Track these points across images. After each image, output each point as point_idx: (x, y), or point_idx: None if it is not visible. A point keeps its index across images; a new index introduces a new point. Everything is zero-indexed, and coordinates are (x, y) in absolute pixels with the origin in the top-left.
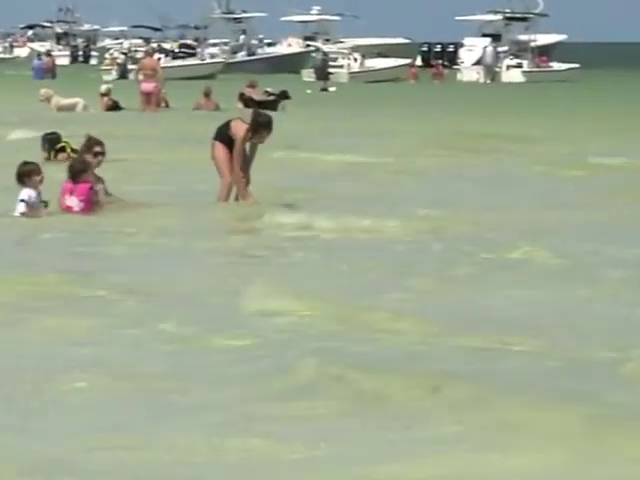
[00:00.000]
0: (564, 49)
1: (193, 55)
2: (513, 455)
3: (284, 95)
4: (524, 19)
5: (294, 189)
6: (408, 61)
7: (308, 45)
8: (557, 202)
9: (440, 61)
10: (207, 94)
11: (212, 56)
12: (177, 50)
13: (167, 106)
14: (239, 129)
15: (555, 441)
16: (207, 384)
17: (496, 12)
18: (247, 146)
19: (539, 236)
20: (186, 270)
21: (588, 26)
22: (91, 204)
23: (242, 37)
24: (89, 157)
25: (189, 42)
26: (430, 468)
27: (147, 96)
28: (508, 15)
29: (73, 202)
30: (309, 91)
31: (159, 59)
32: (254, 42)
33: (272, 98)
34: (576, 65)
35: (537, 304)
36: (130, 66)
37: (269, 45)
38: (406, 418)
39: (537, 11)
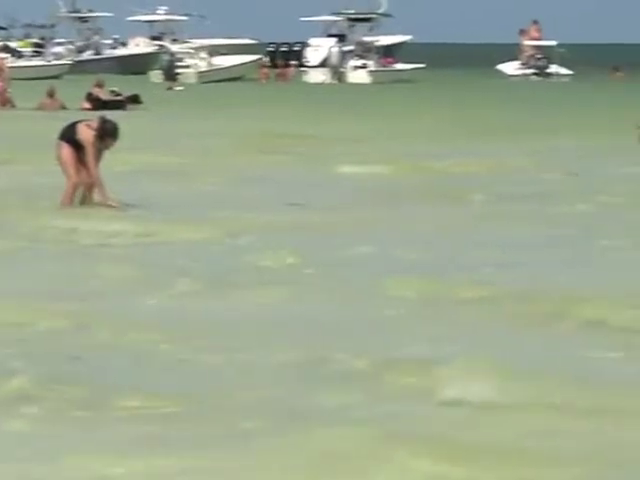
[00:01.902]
0: (411, 50)
1: (40, 54)
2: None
3: (135, 99)
4: (367, 19)
5: None
6: (256, 57)
7: (161, 46)
8: (341, 203)
9: (286, 61)
10: (51, 94)
11: (57, 56)
12: (30, 49)
13: (13, 106)
14: (86, 135)
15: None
16: None
17: (339, 13)
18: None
19: (301, 238)
20: None
21: (435, 27)
22: None
23: (96, 37)
24: None
25: (41, 42)
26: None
27: None
28: (351, 16)
29: None
30: (155, 90)
31: (4, 59)
32: (107, 42)
33: (119, 98)
34: (421, 65)
35: (257, 309)
36: None
37: (123, 45)
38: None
39: (380, 11)
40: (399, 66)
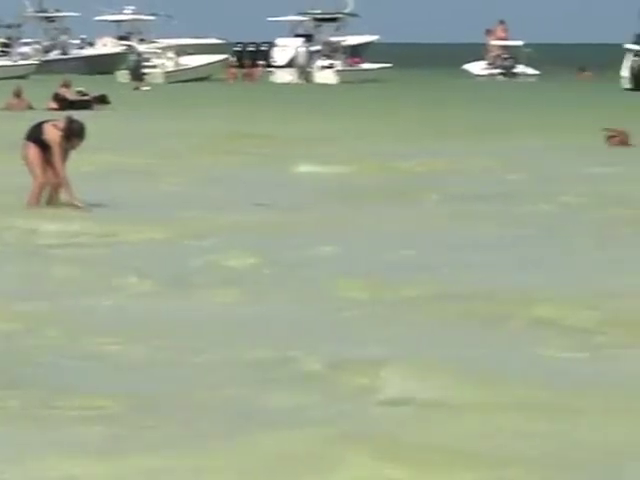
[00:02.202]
0: (377, 49)
1: (6, 54)
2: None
3: (102, 99)
4: (334, 19)
5: None
6: (223, 57)
7: (129, 46)
8: (307, 203)
9: (253, 61)
10: (18, 94)
11: (24, 56)
12: None
13: None
14: (53, 135)
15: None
16: None
17: (306, 13)
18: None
19: (266, 238)
20: None
21: (402, 27)
22: None
23: (63, 37)
24: None
25: (7, 41)
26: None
27: None
28: (318, 16)
29: None
30: (122, 90)
31: None
32: (75, 41)
33: (86, 98)
34: (388, 65)
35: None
36: None
37: (90, 45)
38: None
39: (347, 11)
40: (366, 66)
